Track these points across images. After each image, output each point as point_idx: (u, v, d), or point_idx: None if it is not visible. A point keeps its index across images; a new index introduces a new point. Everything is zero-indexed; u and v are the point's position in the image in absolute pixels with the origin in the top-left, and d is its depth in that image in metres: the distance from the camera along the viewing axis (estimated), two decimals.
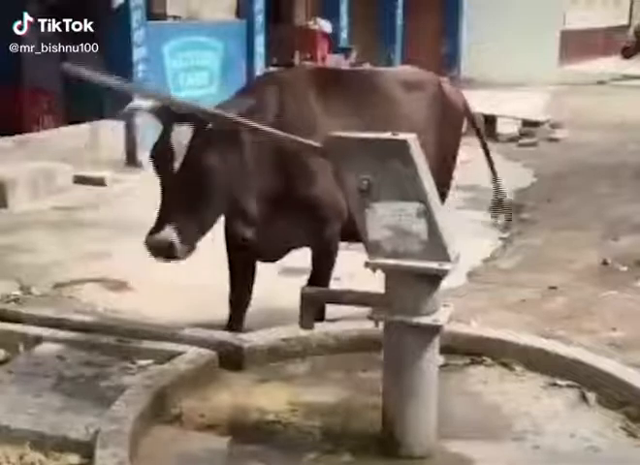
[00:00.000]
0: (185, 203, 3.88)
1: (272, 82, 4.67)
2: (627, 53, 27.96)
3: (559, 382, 4.18)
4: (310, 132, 3.98)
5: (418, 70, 5.49)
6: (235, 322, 4.75)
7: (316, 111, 4.49)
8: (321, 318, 4.74)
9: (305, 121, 4.36)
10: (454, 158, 5.43)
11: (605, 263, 6.47)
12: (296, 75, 5.02)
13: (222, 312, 4.83)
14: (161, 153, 3.92)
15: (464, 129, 5.70)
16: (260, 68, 12.80)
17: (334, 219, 4.49)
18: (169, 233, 3.81)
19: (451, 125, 5.27)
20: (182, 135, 3.86)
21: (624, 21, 30.33)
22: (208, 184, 3.90)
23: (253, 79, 4.92)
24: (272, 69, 13.15)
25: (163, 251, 3.84)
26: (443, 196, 5.09)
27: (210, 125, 3.84)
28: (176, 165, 3.84)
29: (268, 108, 4.32)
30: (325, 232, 4.57)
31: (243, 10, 12.61)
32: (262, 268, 4.84)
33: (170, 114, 3.90)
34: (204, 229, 4.04)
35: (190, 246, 3.92)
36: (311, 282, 4.62)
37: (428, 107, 5.06)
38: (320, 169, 4.18)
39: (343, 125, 4.21)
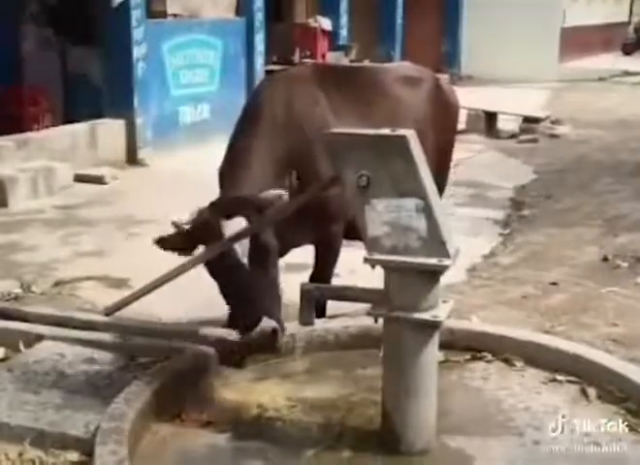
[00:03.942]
0: None
1: (282, 79, 4.69)
2: (628, 50, 27.99)
3: (559, 377, 4.18)
4: (320, 127, 3.99)
5: (416, 66, 5.51)
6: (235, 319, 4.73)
7: (324, 107, 4.50)
8: (322, 314, 4.75)
9: (315, 116, 4.38)
10: (450, 154, 5.44)
11: (606, 259, 6.46)
12: (304, 71, 5.04)
13: (223, 310, 4.81)
14: None
15: (463, 126, 5.70)
16: (260, 66, 12.80)
17: (339, 216, 4.49)
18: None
19: (448, 121, 5.29)
20: None
21: (625, 18, 30.31)
22: None
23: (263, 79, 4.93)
24: (272, 67, 13.18)
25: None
26: (440, 192, 5.10)
27: None
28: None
29: (278, 103, 4.34)
30: (331, 229, 4.56)
31: (243, 8, 12.59)
32: None
33: None
34: None
35: None
36: (313, 279, 4.62)
37: (427, 103, 5.08)
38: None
39: (349, 121, 4.23)
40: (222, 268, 3.73)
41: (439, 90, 5.25)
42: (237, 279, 3.71)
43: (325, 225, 4.54)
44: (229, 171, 4.23)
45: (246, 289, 3.69)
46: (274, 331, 3.57)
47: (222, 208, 3.79)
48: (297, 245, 4.71)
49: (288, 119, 4.34)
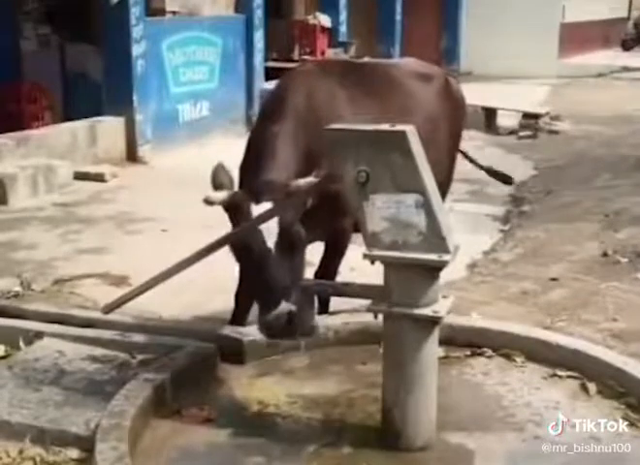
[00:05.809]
0: None
1: (302, 74, 4.70)
2: (627, 45, 27.93)
3: (559, 372, 4.18)
4: (338, 121, 3.98)
5: (423, 62, 5.50)
6: (238, 316, 4.73)
7: (342, 101, 4.50)
8: (325, 310, 4.75)
9: (334, 110, 4.37)
10: (457, 151, 5.46)
11: (605, 254, 6.45)
12: (322, 66, 5.03)
13: (223, 307, 4.82)
14: None
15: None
16: (259, 63, 12.79)
17: (349, 212, 4.47)
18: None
19: (457, 118, 5.30)
20: None
21: (624, 13, 30.25)
22: None
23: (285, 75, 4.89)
24: (271, 64, 13.17)
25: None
26: (447, 188, 5.11)
27: None
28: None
29: (300, 98, 4.35)
30: (342, 222, 4.53)
31: (242, 5, 12.58)
32: None
33: None
34: None
35: None
36: (318, 275, 4.61)
37: (438, 99, 5.09)
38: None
39: (365, 116, 4.24)
40: (246, 250, 3.70)
41: (449, 87, 5.27)
42: (260, 262, 3.65)
43: (338, 220, 4.51)
44: (254, 164, 4.17)
45: (269, 271, 3.64)
46: (291, 314, 3.54)
47: (255, 193, 3.77)
48: (311, 241, 4.69)
49: (310, 114, 4.31)
